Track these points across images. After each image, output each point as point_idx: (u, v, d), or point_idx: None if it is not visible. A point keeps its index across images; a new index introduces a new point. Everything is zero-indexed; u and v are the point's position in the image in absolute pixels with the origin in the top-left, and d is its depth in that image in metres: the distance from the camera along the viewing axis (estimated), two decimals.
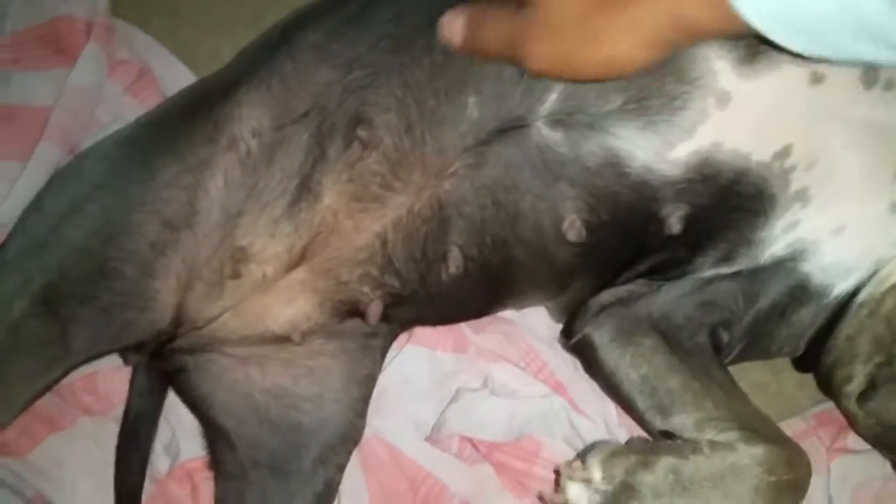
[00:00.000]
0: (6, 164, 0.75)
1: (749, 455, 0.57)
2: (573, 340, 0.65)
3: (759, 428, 0.59)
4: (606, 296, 0.64)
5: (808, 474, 0.59)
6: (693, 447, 0.58)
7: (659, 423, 0.61)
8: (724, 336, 0.64)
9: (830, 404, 0.70)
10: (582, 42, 0.48)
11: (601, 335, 0.63)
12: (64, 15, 0.81)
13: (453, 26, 0.55)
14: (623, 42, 0.47)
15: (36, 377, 0.59)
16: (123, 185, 0.59)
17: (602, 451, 0.59)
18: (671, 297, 0.63)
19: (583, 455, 0.60)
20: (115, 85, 0.82)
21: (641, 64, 0.48)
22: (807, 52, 0.44)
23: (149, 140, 0.61)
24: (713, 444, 0.57)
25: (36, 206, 0.61)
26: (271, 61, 0.61)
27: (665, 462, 0.57)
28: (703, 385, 0.61)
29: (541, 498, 0.63)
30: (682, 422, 0.60)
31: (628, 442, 0.62)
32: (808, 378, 0.72)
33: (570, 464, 0.60)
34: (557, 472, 0.61)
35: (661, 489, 0.57)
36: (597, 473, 0.58)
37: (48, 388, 0.61)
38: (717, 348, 0.64)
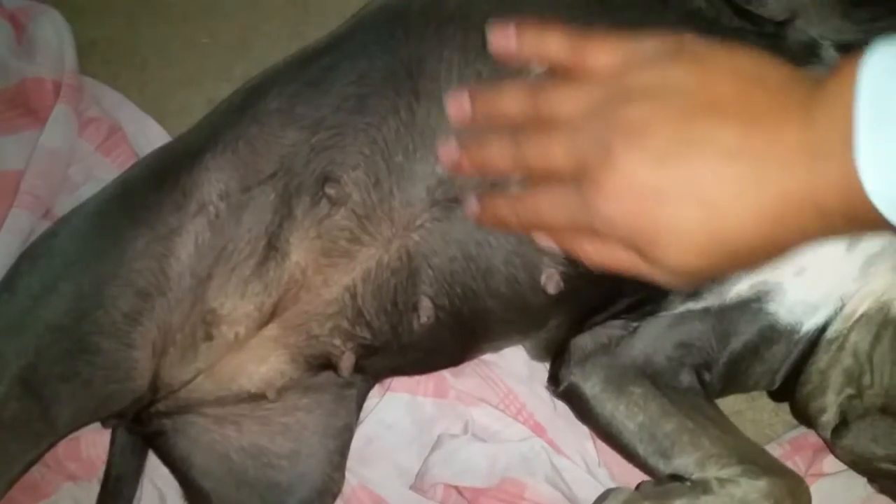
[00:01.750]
0: None
1: (755, 489, 0.58)
2: (561, 388, 0.66)
3: (757, 460, 0.61)
4: (587, 341, 0.65)
5: (809, 502, 0.61)
6: (703, 487, 0.59)
7: (662, 467, 0.62)
8: (706, 376, 0.66)
9: (805, 430, 0.71)
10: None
11: (591, 386, 0.64)
12: (31, 77, 0.82)
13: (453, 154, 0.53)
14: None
15: (21, 456, 0.59)
16: (95, 260, 0.59)
17: (616, 499, 0.60)
18: (649, 340, 0.64)
19: (598, 503, 0.62)
20: (86, 143, 0.83)
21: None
22: None
23: (118, 212, 0.61)
24: (721, 482, 0.59)
25: (7, 287, 0.62)
26: (237, 125, 0.61)
27: None
28: (696, 423, 0.62)
29: None
30: (683, 463, 0.61)
31: (639, 487, 0.63)
32: (783, 405, 0.73)
33: None
34: None
35: None
36: None
37: (34, 463, 0.62)
38: (702, 385, 0.66)
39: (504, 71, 0.56)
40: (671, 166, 0.41)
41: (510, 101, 0.49)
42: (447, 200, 0.60)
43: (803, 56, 0.59)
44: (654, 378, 0.64)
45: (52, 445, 0.61)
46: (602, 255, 0.47)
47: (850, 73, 0.37)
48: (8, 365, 0.57)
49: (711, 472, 0.60)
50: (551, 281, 0.61)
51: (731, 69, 0.42)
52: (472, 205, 0.54)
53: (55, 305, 0.58)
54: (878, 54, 0.37)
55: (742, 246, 0.42)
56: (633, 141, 0.42)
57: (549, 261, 0.60)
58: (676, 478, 0.61)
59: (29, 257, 0.63)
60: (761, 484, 0.58)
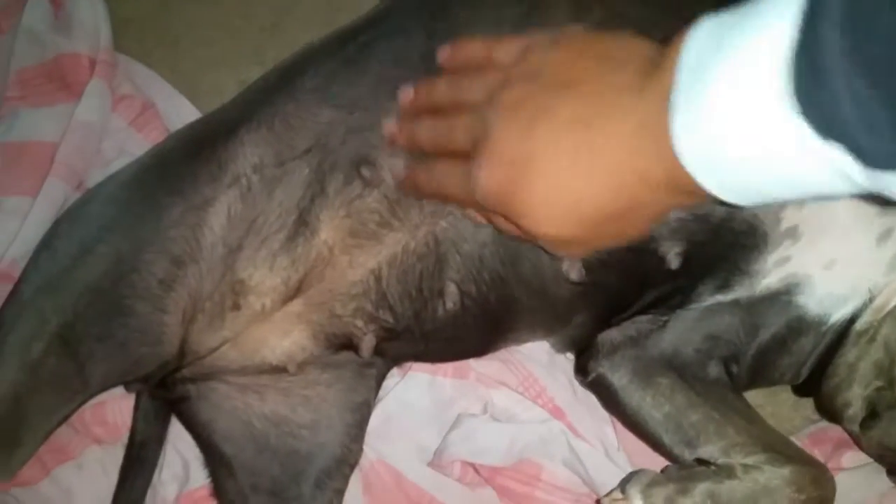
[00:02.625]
0: (17, 200, 0.77)
1: (778, 476, 0.59)
2: (589, 379, 0.67)
3: (782, 449, 0.62)
4: (615, 335, 0.66)
5: (833, 491, 0.61)
6: (727, 472, 0.60)
7: (688, 455, 0.63)
8: (734, 368, 0.66)
9: (824, 424, 0.72)
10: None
11: (619, 377, 0.65)
12: (67, 52, 0.84)
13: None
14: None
15: (55, 412, 0.61)
16: (132, 225, 0.61)
17: (641, 481, 0.61)
18: (677, 333, 0.65)
19: (622, 486, 0.63)
20: (119, 119, 0.84)
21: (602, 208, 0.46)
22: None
23: (154, 181, 0.63)
24: (745, 468, 0.60)
25: (47, 247, 0.63)
26: (273, 102, 0.63)
27: (703, 487, 0.59)
28: (722, 414, 0.63)
29: None
30: (709, 451, 0.62)
31: (664, 470, 0.64)
32: (803, 400, 0.74)
33: (610, 495, 0.62)
34: (598, 503, 0.63)
35: None
36: (638, 502, 0.60)
37: (64, 420, 0.63)
38: (730, 378, 0.67)
39: None
40: (533, 138, 0.45)
41: (438, 90, 0.55)
42: None
43: None
44: (681, 370, 0.65)
45: (83, 403, 0.63)
46: (500, 225, 0.52)
47: (678, 46, 0.39)
48: (48, 322, 0.58)
49: (736, 459, 0.60)
50: (573, 268, 0.62)
51: (596, 51, 0.46)
52: (400, 172, 0.59)
53: (93, 267, 0.59)
54: (704, 27, 0.39)
55: (595, 215, 0.45)
56: (506, 115, 0.47)
57: None
58: (702, 462, 0.62)
59: (67, 220, 0.65)
60: (785, 471, 0.59)
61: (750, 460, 0.60)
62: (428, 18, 0.62)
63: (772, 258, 0.62)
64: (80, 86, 0.82)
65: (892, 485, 0.68)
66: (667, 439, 0.64)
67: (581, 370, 0.68)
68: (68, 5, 0.87)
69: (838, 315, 0.64)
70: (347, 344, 0.66)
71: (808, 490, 0.59)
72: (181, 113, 0.84)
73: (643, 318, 0.66)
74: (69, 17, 0.86)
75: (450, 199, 0.56)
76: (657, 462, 0.67)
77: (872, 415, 0.64)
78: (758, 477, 0.59)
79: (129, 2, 0.91)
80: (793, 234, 0.61)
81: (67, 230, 0.63)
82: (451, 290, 0.63)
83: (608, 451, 0.70)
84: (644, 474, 0.62)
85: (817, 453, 0.70)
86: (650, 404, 0.64)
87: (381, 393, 0.72)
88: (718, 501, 0.59)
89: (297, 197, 0.61)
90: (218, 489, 0.68)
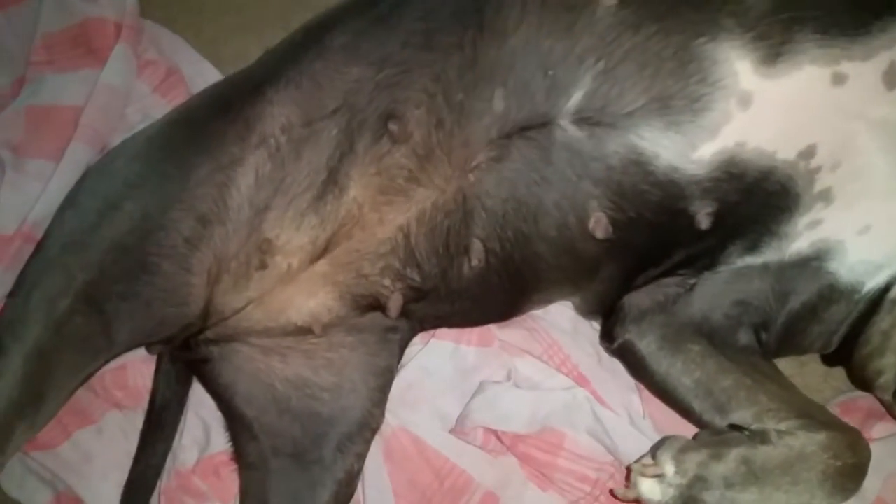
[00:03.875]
0: (40, 163, 0.78)
1: (814, 442, 0.58)
2: (615, 345, 0.66)
3: (816, 415, 0.61)
4: (643, 299, 0.65)
5: (869, 457, 0.60)
6: (762, 437, 0.59)
7: (719, 422, 0.62)
8: (763, 335, 0.65)
9: (855, 394, 0.71)
10: None
11: (648, 344, 0.64)
12: (93, 16, 0.84)
13: None
14: None
15: (79, 370, 0.61)
16: (159, 183, 0.60)
17: (672, 447, 0.60)
18: (706, 298, 0.64)
19: (652, 452, 0.62)
20: (143, 84, 0.84)
21: None
22: None
23: (181, 139, 0.62)
24: (779, 433, 0.59)
25: (72, 204, 0.63)
26: (300, 61, 0.62)
27: (736, 453, 0.58)
28: (754, 380, 0.62)
29: (612, 493, 0.64)
30: (741, 417, 0.61)
31: (696, 436, 0.63)
32: (833, 370, 0.72)
33: (641, 461, 0.61)
34: (629, 469, 0.62)
35: (732, 479, 0.58)
36: (669, 468, 0.59)
37: (88, 378, 0.63)
38: (759, 345, 0.65)
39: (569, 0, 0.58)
40: None
41: None
42: (501, 138, 0.60)
43: (885, 3, 0.59)
44: (710, 336, 0.64)
45: (107, 362, 0.63)
46: None
47: None
48: (74, 279, 0.58)
49: (770, 425, 0.59)
50: (599, 225, 0.61)
51: None
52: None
53: (119, 224, 0.59)
54: None
55: None
56: None
57: (596, 204, 0.60)
58: (736, 428, 0.61)
59: (93, 176, 0.65)
60: (820, 437, 0.58)
61: (783, 426, 0.59)
62: None
63: (803, 221, 0.61)
64: (106, 50, 0.82)
65: None
66: (697, 406, 0.63)
67: (607, 336, 0.67)
68: None
69: (872, 283, 0.63)
70: (374, 304, 0.65)
71: (845, 456, 0.58)
72: (206, 78, 0.84)
73: (670, 280, 0.65)
74: None
75: None
76: (683, 430, 0.66)
77: None
78: (792, 443, 0.58)
79: None
80: (825, 196, 0.60)
81: (93, 186, 0.63)
82: (477, 246, 0.62)
83: (633, 418, 0.69)
84: (675, 440, 0.61)
85: (848, 422, 0.68)
86: (680, 370, 0.63)
87: (403, 360, 0.72)
88: (752, 467, 0.58)
89: (326, 156, 0.61)
90: (239, 452, 0.68)
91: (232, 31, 0.88)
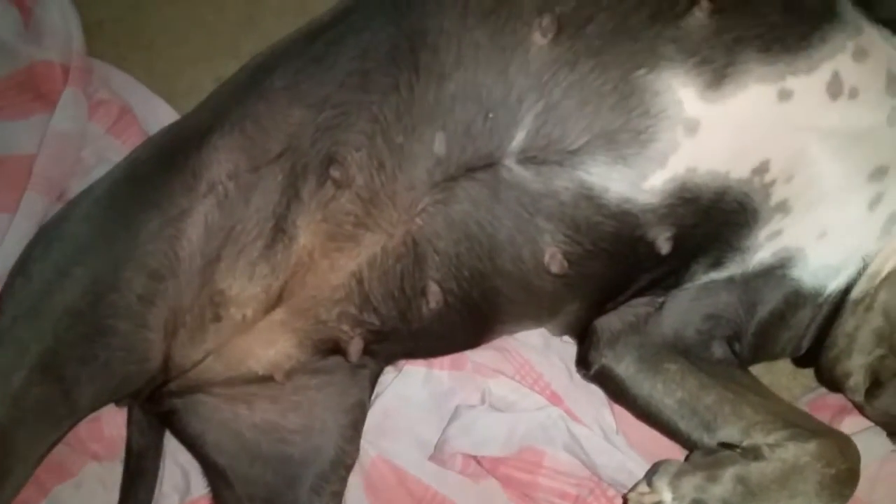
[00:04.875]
0: None
1: (806, 452, 0.58)
2: (592, 371, 0.65)
3: (802, 423, 0.60)
4: (614, 321, 0.64)
5: (859, 461, 0.60)
6: (753, 453, 0.59)
7: (707, 440, 0.62)
8: (736, 346, 0.65)
9: (822, 391, 0.71)
10: None
11: (625, 367, 0.64)
12: (40, 60, 0.82)
13: None
14: None
15: (44, 439, 0.61)
16: (108, 244, 0.60)
17: (668, 472, 0.60)
18: (676, 315, 0.64)
19: (648, 478, 0.61)
20: (96, 126, 0.83)
21: None
22: None
23: (128, 195, 0.62)
24: (770, 447, 0.58)
25: (22, 272, 0.62)
26: (244, 103, 0.61)
27: (731, 472, 0.58)
28: (735, 394, 0.62)
29: None
30: (728, 433, 0.60)
31: (688, 458, 0.62)
32: (800, 369, 0.72)
33: (637, 489, 0.61)
34: (625, 499, 0.62)
35: (731, 500, 0.58)
36: (667, 495, 0.59)
37: (57, 443, 0.63)
38: (734, 356, 0.65)
39: (502, 40, 0.57)
40: None
41: None
42: (446, 181, 0.59)
43: (822, 13, 0.58)
44: (686, 353, 0.63)
45: (73, 426, 0.63)
46: None
47: None
48: (27, 351, 0.58)
49: (759, 439, 0.59)
50: (554, 260, 0.61)
51: None
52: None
53: (71, 290, 0.59)
54: None
55: None
56: None
57: (550, 239, 0.60)
58: (726, 446, 0.60)
59: (41, 242, 0.64)
60: (811, 447, 0.58)
61: (772, 438, 0.59)
62: (394, 11, 0.60)
63: (763, 233, 0.61)
64: (55, 95, 0.81)
65: (892, 448, 0.67)
66: (683, 426, 0.62)
67: (583, 362, 0.67)
68: (38, 12, 0.85)
69: (833, 286, 0.63)
70: (335, 349, 0.65)
71: (837, 462, 0.58)
72: (159, 115, 0.83)
73: (639, 300, 0.64)
74: (40, 24, 0.84)
75: None
76: (655, 443, 0.67)
77: (877, 383, 0.62)
78: (785, 455, 0.58)
79: (100, 4, 0.90)
80: (783, 207, 0.60)
81: (42, 253, 0.62)
82: (434, 288, 0.62)
83: (607, 434, 0.69)
84: (669, 465, 0.60)
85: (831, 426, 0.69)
86: (662, 392, 0.63)
87: (378, 388, 0.72)
88: (749, 485, 0.58)
89: (274, 203, 0.60)
90: (216, 499, 0.68)
91: (183, 63, 0.87)
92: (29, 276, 0.61)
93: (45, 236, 0.65)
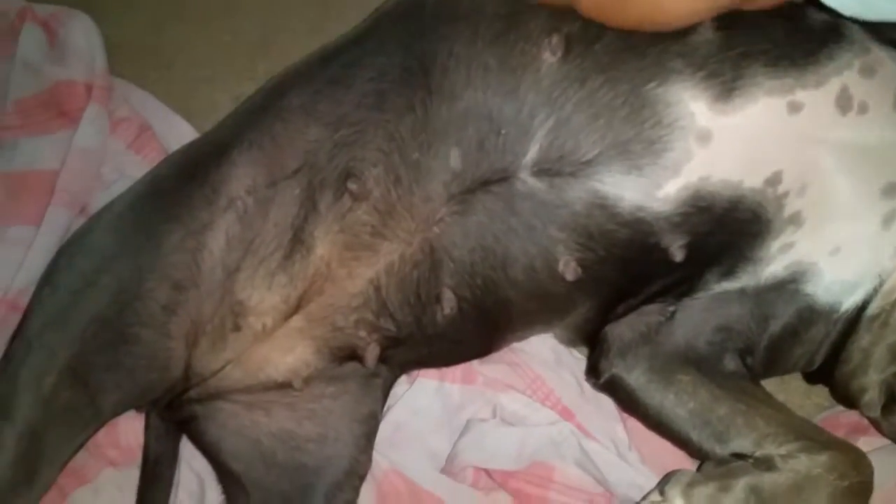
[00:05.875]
0: (20, 229, 0.79)
1: (818, 464, 0.58)
2: (602, 380, 0.66)
3: (815, 436, 0.61)
4: (625, 331, 0.65)
5: (872, 473, 0.60)
6: (766, 464, 0.59)
7: (719, 451, 0.62)
8: (748, 360, 0.66)
9: (837, 410, 0.71)
10: None
11: (637, 377, 0.64)
12: (63, 80, 0.85)
13: None
14: None
15: (71, 442, 0.62)
16: (133, 255, 0.62)
17: (680, 482, 0.60)
18: (689, 325, 0.64)
19: (660, 488, 0.62)
20: (117, 142, 0.85)
21: (689, 13, 0.50)
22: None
23: (151, 209, 0.63)
24: (783, 458, 0.59)
25: (49, 282, 0.64)
26: (261, 122, 0.63)
27: (744, 483, 0.58)
28: (748, 406, 0.62)
29: None
30: (740, 444, 0.61)
31: (700, 468, 0.63)
32: (814, 387, 0.73)
33: (648, 498, 0.61)
34: None
35: None
36: None
37: (80, 448, 0.65)
38: (746, 370, 0.66)
39: (512, 61, 0.59)
40: None
41: None
42: (462, 193, 0.61)
43: (827, 32, 0.59)
44: (698, 365, 0.64)
45: (96, 431, 0.64)
46: None
47: None
48: (56, 356, 0.59)
49: (771, 450, 0.59)
50: (568, 268, 0.62)
51: None
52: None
53: (97, 298, 0.60)
54: None
55: None
56: None
57: (563, 248, 0.61)
58: (738, 456, 0.61)
59: (67, 254, 0.66)
60: (823, 458, 0.58)
61: (784, 450, 0.59)
62: (406, 36, 0.62)
63: (776, 244, 0.61)
64: (78, 112, 0.84)
65: None
66: (695, 436, 0.63)
67: (593, 371, 0.67)
68: (62, 33, 0.88)
69: (849, 302, 0.63)
70: (352, 355, 0.66)
71: (850, 475, 0.58)
72: (178, 132, 0.85)
73: (650, 308, 0.65)
74: (64, 45, 0.87)
75: None
76: (669, 458, 0.67)
77: (893, 399, 0.63)
78: (797, 467, 0.58)
79: (122, 26, 0.92)
80: (796, 220, 0.61)
81: (68, 263, 0.64)
82: (448, 295, 0.63)
83: (619, 449, 0.70)
84: (682, 475, 0.61)
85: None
86: (673, 402, 0.63)
87: (390, 401, 0.73)
88: (762, 495, 0.58)
89: (291, 216, 0.62)
90: None
91: (201, 83, 0.90)
92: (56, 286, 0.63)
93: (71, 247, 0.66)
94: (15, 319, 0.69)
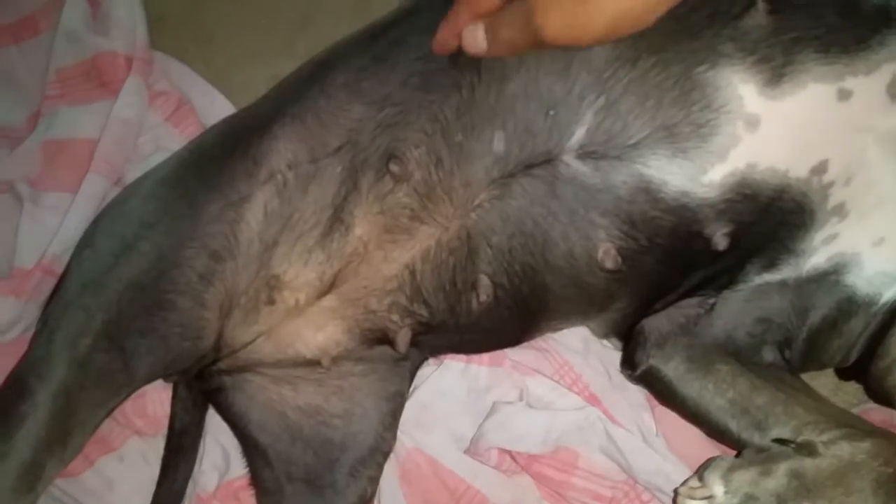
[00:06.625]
0: (57, 196, 0.79)
1: (861, 450, 0.58)
2: (639, 372, 0.66)
3: (856, 424, 0.60)
4: (662, 322, 0.65)
5: None
6: (808, 449, 0.58)
7: (758, 439, 0.62)
8: (787, 352, 0.65)
9: (866, 406, 0.71)
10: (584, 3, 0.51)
11: (674, 367, 0.64)
12: (105, 50, 0.85)
13: (475, 37, 0.57)
14: None
15: (103, 405, 0.63)
16: (172, 222, 0.62)
17: (720, 467, 0.60)
18: (728, 317, 0.64)
19: (699, 473, 0.61)
20: (155, 115, 0.86)
21: (646, 16, 0.50)
22: None
23: (192, 177, 0.64)
24: (825, 444, 0.58)
25: (88, 244, 0.65)
26: (305, 97, 0.63)
27: (785, 467, 0.58)
28: (787, 395, 0.62)
29: None
30: (780, 432, 0.61)
31: (740, 454, 0.62)
32: (843, 384, 0.72)
33: (687, 484, 0.61)
34: (676, 493, 0.62)
35: (784, 495, 0.58)
36: (719, 489, 0.59)
37: (111, 413, 0.65)
38: (785, 363, 0.66)
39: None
40: None
41: None
42: (503, 178, 0.61)
43: (879, 19, 0.58)
44: (736, 356, 0.64)
45: (128, 396, 0.65)
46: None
47: None
48: (93, 319, 0.60)
49: (813, 437, 0.59)
50: (608, 256, 0.61)
51: None
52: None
53: (135, 264, 0.61)
54: None
55: None
56: None
57: (604, 234, 0.61)
58: (780, 442, 0.60)
59: (108, 217, 0.66)
60: (866, 445, 0.58)
61: (825, 437, 0.58)
62: None
63: (819, 236, 0.61)
64: (118, 83, 0.84)
65: None
66: (734, 426, 0.62)
67: (628, 363, 0.67)
68: (105, 5, 0.88)
69: (889, 294, 0.63)
70: (382, 338, 0.66)
71: (895, 462, 0.57)
72: (216, 108, 0.85)
73: (689, 301, 0.65)
74: (106, 17, 0.87)
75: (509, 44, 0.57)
76: (696, 445, 0.67)
77: None
78: (840, 452, 0.57)
79: (163, 0, 0.92)
80: (840, 211, 0.60)
81: (108, 227, 0.65)
82: (484, 282, 0.63)
83: (646, 436, 0.70)
84: (722, 460, 0.60)
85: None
86: (712, 392, 0.63)
87: (416, 381, 0.73)
88: (804, 480, 0.57)
89: (332, 194, 0.62)
90: (255, 478, 0.70)
91: (240, 59, 0.90)
92: (95, 249, 0.63)
93: (112, 211, 0.67)
94: (49, 284, 0.70)
